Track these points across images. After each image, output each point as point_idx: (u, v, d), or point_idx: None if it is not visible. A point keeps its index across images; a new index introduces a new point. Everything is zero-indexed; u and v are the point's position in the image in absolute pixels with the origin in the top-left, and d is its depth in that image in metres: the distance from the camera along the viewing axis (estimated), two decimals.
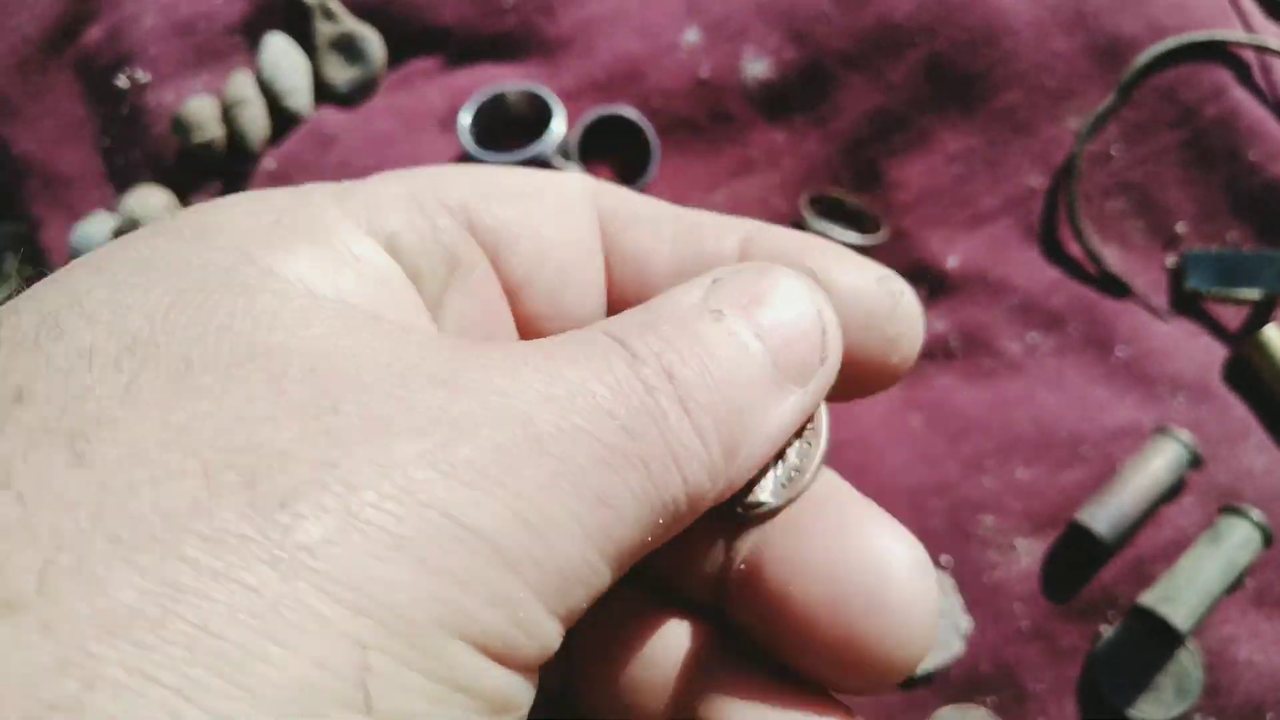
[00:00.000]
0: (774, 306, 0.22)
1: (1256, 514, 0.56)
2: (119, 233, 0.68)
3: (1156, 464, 0.58)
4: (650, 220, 0.26)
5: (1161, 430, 0.59)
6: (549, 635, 0.18)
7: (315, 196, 0.23)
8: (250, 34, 0.70)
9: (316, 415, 0.17)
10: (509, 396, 0.18)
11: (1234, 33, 0.63)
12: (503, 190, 0.25)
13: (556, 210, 0.26)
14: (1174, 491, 0.59)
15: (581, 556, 0.18)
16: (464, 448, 0.17)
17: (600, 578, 0.19)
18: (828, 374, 0.23)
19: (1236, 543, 0.56)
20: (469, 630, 0.17)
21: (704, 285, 0.22)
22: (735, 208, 0.65)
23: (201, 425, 0.17)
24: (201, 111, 0.67)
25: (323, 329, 0.19)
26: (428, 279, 0.24)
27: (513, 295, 0.26)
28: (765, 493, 0.23)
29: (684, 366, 0.20)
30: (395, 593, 0.16)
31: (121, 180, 0.70)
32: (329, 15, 0.68)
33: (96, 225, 0.68)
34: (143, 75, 0.69)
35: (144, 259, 0.20)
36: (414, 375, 0.18)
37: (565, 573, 0.18)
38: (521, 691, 0.18)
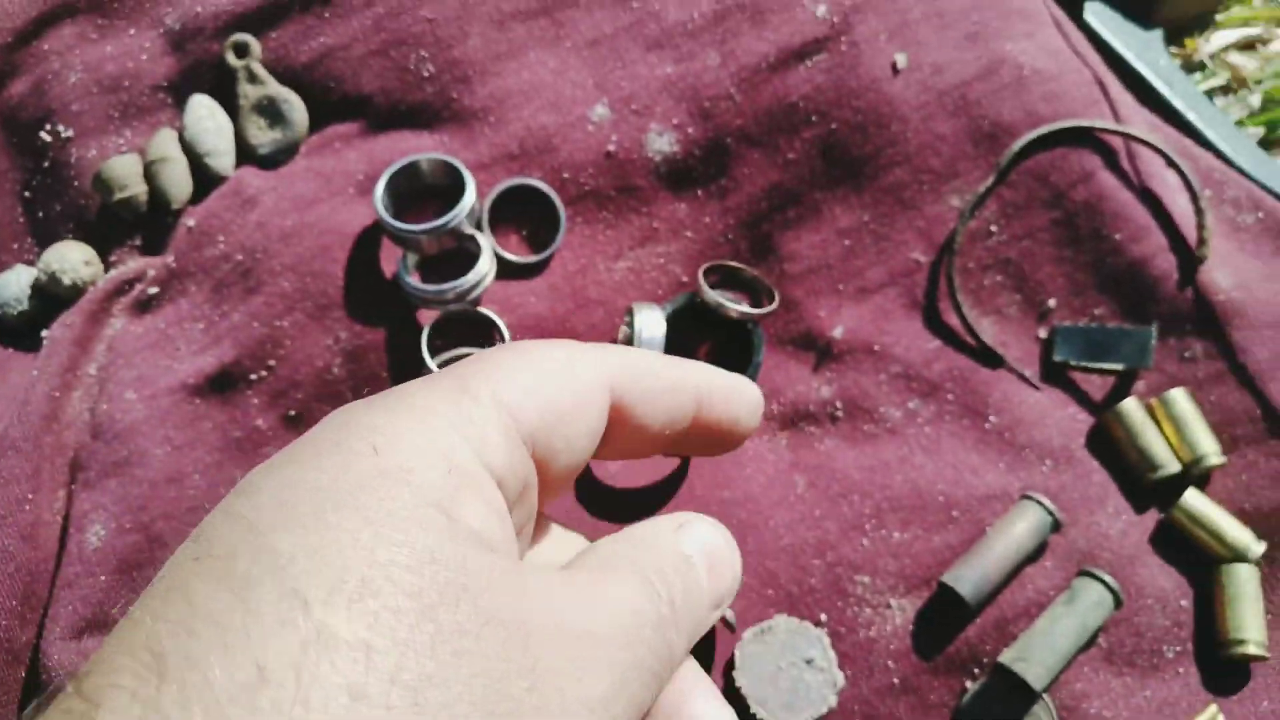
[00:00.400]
0: (718, 563, 0.34)
1: (1109, 578, 0.61)
2: (36, 287, 0.69)
3: (1020, 528, 0.62)
4: (644, 391, 0.35)
5: (1027, 496, 0.63)
6: None
7: (450, 438, 0.28)
8: (176, 93, 0.72)
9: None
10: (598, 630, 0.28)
11: (1102, 121, 0.68)
12: (557, 410, 0.31)
13: (583, 405, 0.33)
14: (1036, 554, 0.63)
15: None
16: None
17: None
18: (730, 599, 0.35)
19: (1090, 604, 0.60)
20: None
21: (674, 527, 0.34)
22: (639, 275, 0.68)
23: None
24: (124, 168, 0.69)
25: (524, 596, 0.26)
26: (511, 507, 0.30)
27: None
28: None
29: (680, 601, 0.31)
30: None
31: (42, 234, 0.72)
32: (253, 79, 0.70)
33: (14, 277, 0.70)
34: (65, 130, 0.71)
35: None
36: (553, 628, 0.26)
37: None
38: None
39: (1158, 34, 0.80)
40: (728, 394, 0.38)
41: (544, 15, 0.70)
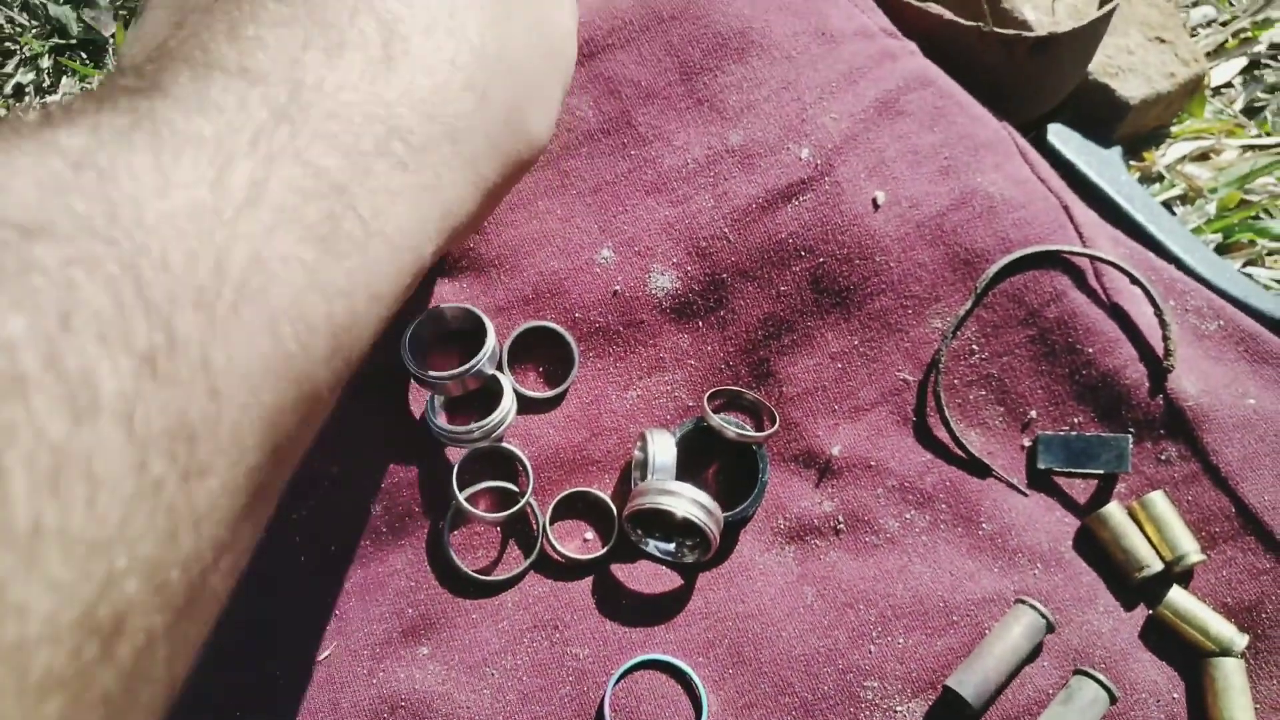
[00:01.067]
0: None
1: (1103, 676, 0.65)
2: None
3: (1016, 631, 0.66)
4: None
5: (1021, 600, 0.67)
6: None
7: None
8: None
9: None
10: None
11: (1069, 245, 0.74)
12: None
13: None
14: (1034, 654, 0.67)
15: None
16: None
17: None
18: None
19: (1086, 702, 0.64)
20: None
21: None
22: (648, 403, 0.73)
23: None
24: None
25: None
26: None
27: None
28: None
29: None
30: None
31: None
32: None
33: None
34: None
35: None
36: None
37: None
38: None
39: (1116, 151, 0.87)
40: None
41: (549, 166, 0.76)
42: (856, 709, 0.66)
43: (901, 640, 0.68)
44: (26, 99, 0.87)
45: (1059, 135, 0.86)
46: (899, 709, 0.66)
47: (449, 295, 0.74)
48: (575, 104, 0.77)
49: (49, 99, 0.87)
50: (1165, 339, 0.72)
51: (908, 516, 0.71)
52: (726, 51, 0.77)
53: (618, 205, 0.75)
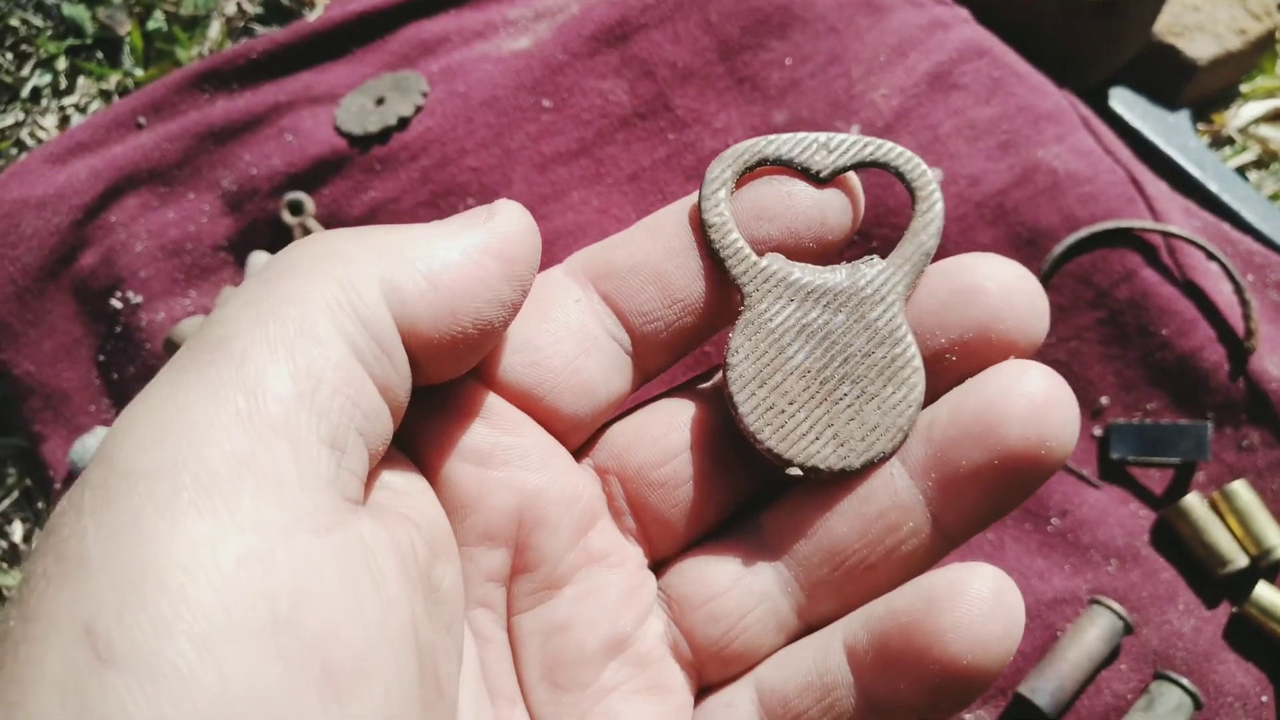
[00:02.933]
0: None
1: (1186, 681, 0.61)
2: None
3: (1092, 635, 0.62)
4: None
5: (1096, 601, 0.63)
6: None
7: None
8: (235, 251, 0.75)
9: None
10: None
11: (1140, 220, 0.69)
12: None
13: None
14: (1110, 658, 0.63)
15: None
16: None
17: None
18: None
19: (1169, 709, 0.61)
20: None
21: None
22: None
23: None
24: (193, 330, 0.72)
25: None
26: None
27: None
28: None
29: None
30: None
31: (118, 396, 0.75)
32: (309, 235, 0.73)
33: (95, 440, 0.73)
34: (135, 296, 0.74)
35: None
36: None
37: None
38: None
39: (1184, 115, 0.82)
40: None
41: (584, 155, 0.73)
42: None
43: None
44: (43, 101, 0.85)
45: (1123, 100, 0.81)
46: (966, 717, 0.63)
47: None
48: (609, 88, 0.73)
49: (66, 101, 0.85)
50: (1246, 317, 0.67)
51: None
52: (768, 27, 0.73)
53: (656, 193, 0.72)
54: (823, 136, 0.31)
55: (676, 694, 0.31)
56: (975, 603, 0.26)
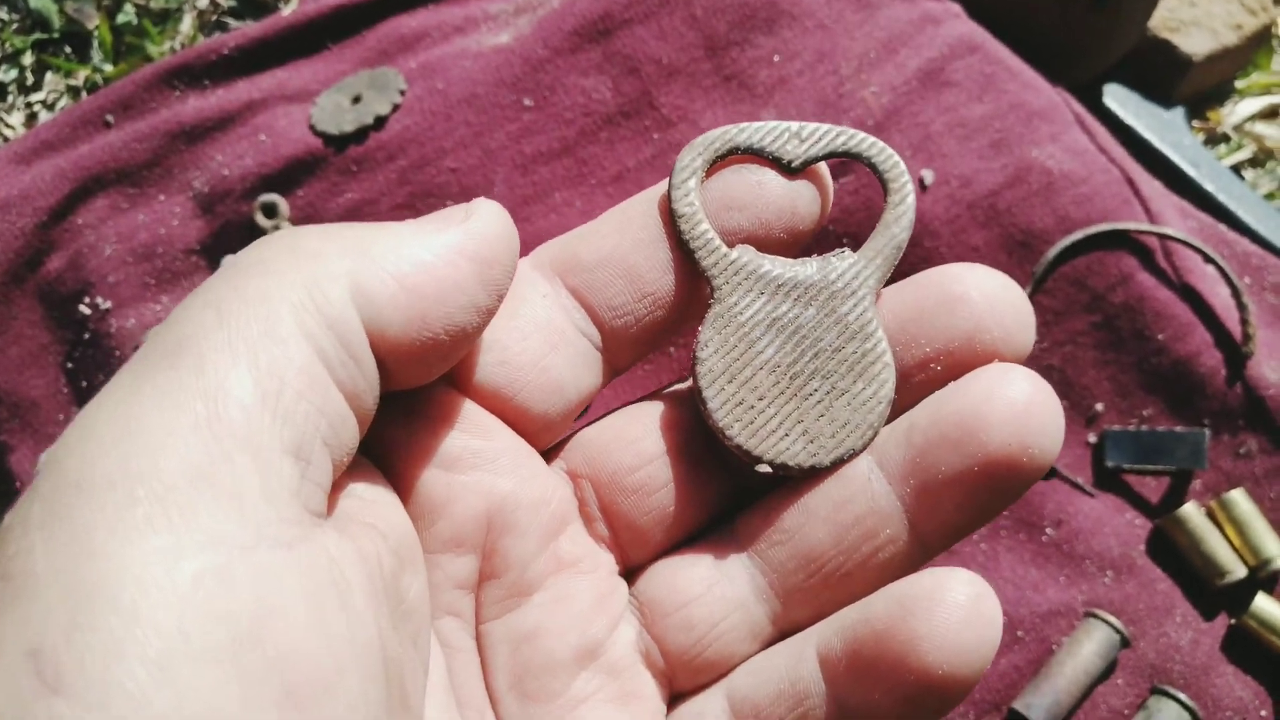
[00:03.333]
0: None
1: (1184, 696, 0.60)
2: None
3: (1088, 649, 0.61)
4: None
5: (1092, 614, 0.62)
6: None
7: None
8: (208, 254, 0.73)
9: None
10: None
11: (1135, 223, 0.68)
12: None
13: None
14: (1106, 672, 0.62)
15: None
16: None
17: None
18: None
19: None
20: None
21: None
22: None
23: None
24: None
25: None
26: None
27: None
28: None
29: None
30: None
31: (86, 404, 0.72)
32: None
33: None
34: (104, 301, 0.72)
35: None
36: None
37: None
38: None
39: (1179, 112, 0.80)
40: None
41: (566, 154, 0.71)
42: None
43: None
44: (10, 98, 0.82)
45: (1116, 97, 0.79)
46: None
47: None
48: (592, 85, 0.71)
49: (33, 97, 0.82)
50: (1243, 321, 0.66)
51: None
52: (755, 22, 0.71)
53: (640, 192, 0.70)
54: (794, 125, 0.31)
55: (648, 702, 0.31)
56: (951, 610, 0.25)
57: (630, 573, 0.33)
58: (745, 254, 0.30)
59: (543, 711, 0.29)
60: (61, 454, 0.22)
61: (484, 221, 0.27)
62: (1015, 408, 0.27)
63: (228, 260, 0.71)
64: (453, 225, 0.27)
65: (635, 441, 0.31)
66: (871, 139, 0.31)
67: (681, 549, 0.32)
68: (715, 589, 0.30)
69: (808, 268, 0.30)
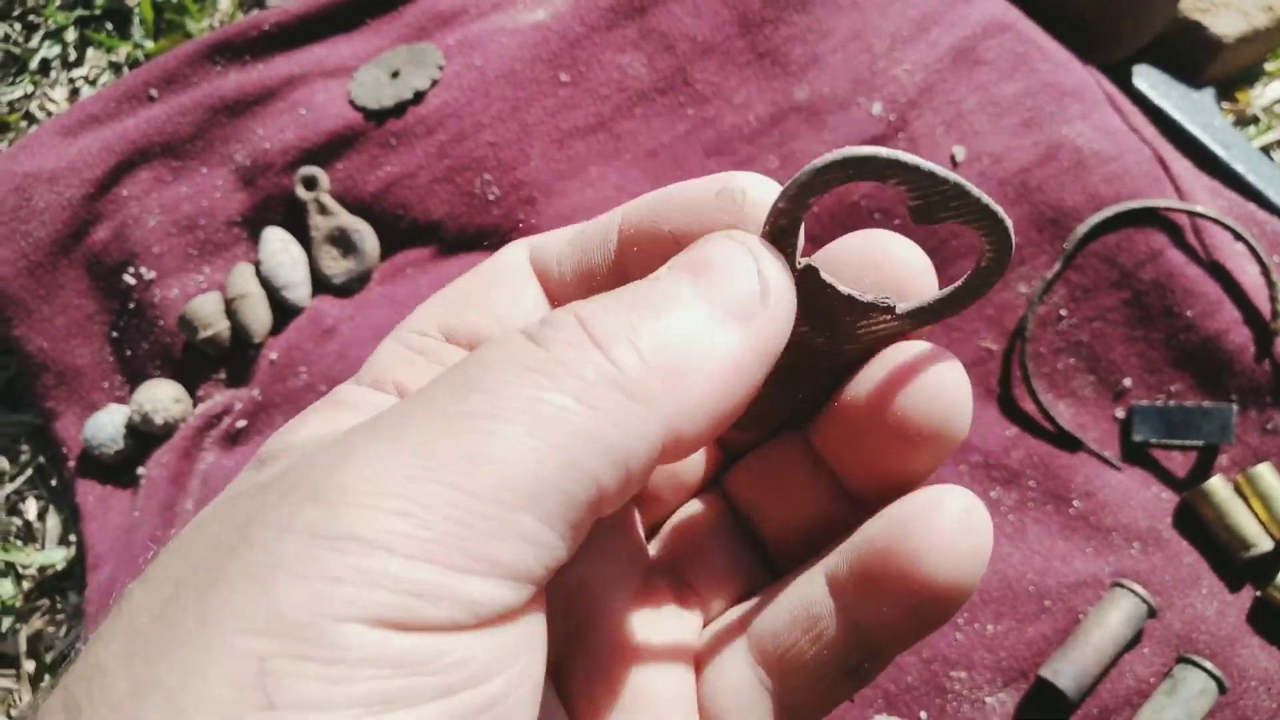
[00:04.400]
0: (707, 259, 0.25)
1: (1210, 665, 0.60)
2: (130, 426, 0.72)
3: (1115, 618, 0.62)
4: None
5: (1119, 584, 0.63)
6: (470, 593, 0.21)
7: None
8: (249, 227, 0.74)
9: None
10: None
11: (1165, 200, 0.68)
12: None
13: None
14: (1133, 641, 0.63)
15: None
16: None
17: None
18: (775, 313, 0.25)
19: (1194, 693, 0.60)
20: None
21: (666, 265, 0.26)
22: None
23: None
24: (207, 308, 0.71)
25: None
26: None
27: None
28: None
29: (604, 315, 0.24)
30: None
31: (130, 372, 0.74)
32: (324, 210, 0.72)
33: (109, 417, 0.72)
34: (147, 272, 0.73)
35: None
36: None
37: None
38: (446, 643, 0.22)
39: (1209, 93, 0.81)
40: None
41: (602, 130, 0.72)
42: (943, 700, 0.62)
43: (990, 627, 0.64)
44: (53, 73, 0.84)
45: (1146, 78, 0.80)
46: (988, 700, 0.62)
47: None
48: (627, 61, 0.72)
49: (75, 73, 0.84)
50: (1272, 299, 0.66)
51: (993, 494, 0.67)
52: (788, 0, 0.71)
53: (676, 169, 0.71)
54: (940, 175, 0.25)
55: (686, 616, 0.32)
56: (947, 522, 0.26)
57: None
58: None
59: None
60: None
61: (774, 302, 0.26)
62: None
63: (268, 232, 0.73)
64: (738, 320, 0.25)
65: None
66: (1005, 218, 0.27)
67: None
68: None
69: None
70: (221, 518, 0.23)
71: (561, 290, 0.30)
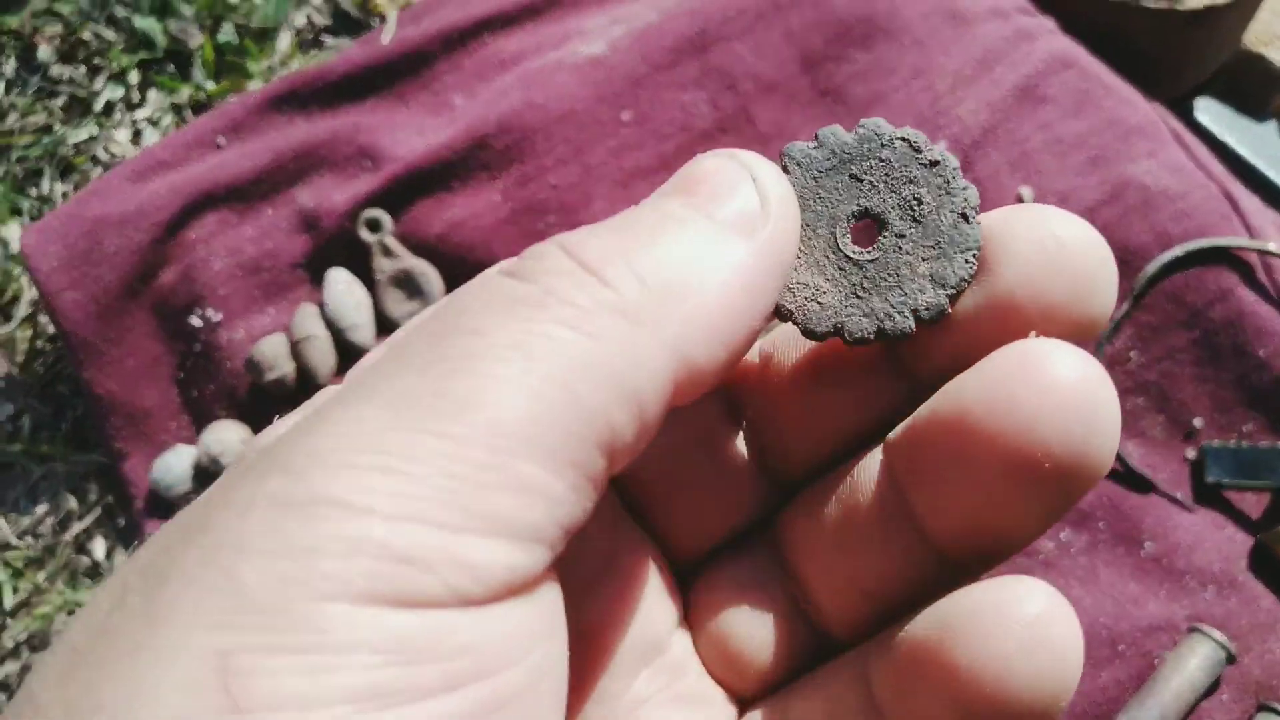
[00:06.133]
0: (696, 177, 0.23)
1: None
2: (198, 467, 0.72)
3: (1192, 664, 0.61)
4: None
5: (1195, 628, 0.62)
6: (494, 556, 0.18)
7: None
8: (312, 268, 0.75)
9: None
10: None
11: (1235, 239, 0.67)
12: None
13: None
14: (1211, 689, 0.62)
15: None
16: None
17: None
18: (779, 224, 0.23)
19: None
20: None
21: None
22: None
23: None
24: (273, 349, 0.72)
25: None
26: None
27: None
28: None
29: (593, 241, 0.21)
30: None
31: (197, 413, 0.75)
32: (388, 252, 0.73)
33: (176, 458, 0.73)
34: (214, 314, 0.74)
35: None
36: None
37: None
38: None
39: (1272, 126, 0.80)
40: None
41: (664, 170, 0.72)
42: None
43: None
44: (116, 115, 0.85)
45: (1208, 111, 0.79)
46: None
47: None
48: (690, 100, 0.72)
49: (138, 114, 0.85)
50: None
51: (1064, 536, 0.66)
52: (851, 38, 0.71)
53: None
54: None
55: (716, 706, 0.27)
56: (1014, 630, 0.21)
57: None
58: None
59: (604, 711, 0.26)
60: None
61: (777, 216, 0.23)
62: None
63: (332, 274, 0.73)
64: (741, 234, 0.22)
65: None
66: None
67: (724, 557, 0.28)
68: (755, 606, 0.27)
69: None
70: (181, 515, 0.20)
71: None
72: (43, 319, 0.80)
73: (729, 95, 0.72)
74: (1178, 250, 0.67)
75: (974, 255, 0.24)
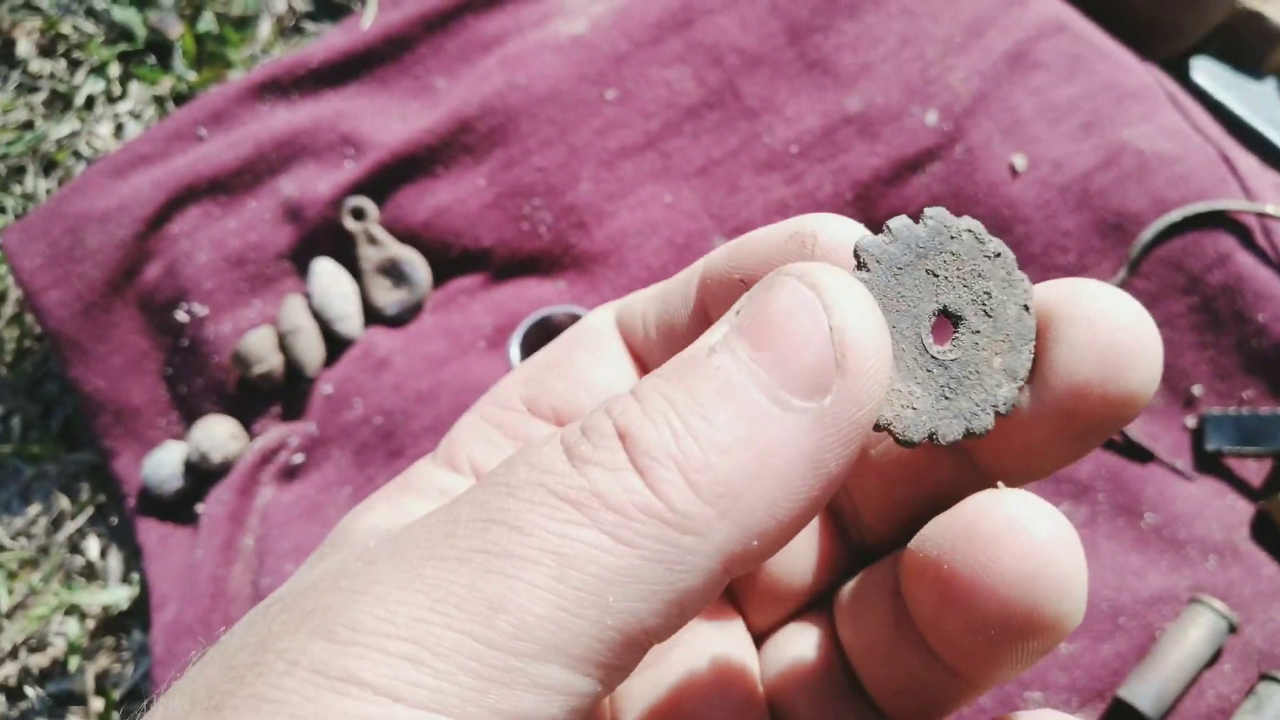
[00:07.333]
0: (766, 319, 0.21)
1: None
2: (188, 463, 0.72)
3: (1194, 635, 0.60)
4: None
5: (1196, 599, 0.61)
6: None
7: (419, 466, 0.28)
8: (298, 259, 0.74)
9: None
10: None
11: (1233, 201, 0.66)
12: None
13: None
14: (1213, 658, 0.61)
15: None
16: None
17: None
18: (857, 378, 0.21)
19: (1279, 710, 0.59)
20: None
21: (728, 319, 0.22)
22: None
23: None
24: (260, 343, 0.71)
25: None
26: None
27: None
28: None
29: (648, 427, 0.20)
30: None
31: (186, 409, 0.74)
32: (373, 241, 0.72)
33: (166, 455, 0.72)
34: (200, 308, 0.73)
35: None
36: None
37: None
38: None
39: (1270, 84, 0.78)
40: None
41: (650, 148, 0.71)
42: None
43: (1065, 646, 0.62)
44: (98, 109, 0.84)
45: (1205, 71, 0.77)
46: None
47: (550, 295, 0.69)
48: (674, 77, 0.71)
49: (120, 108, 0.84)
50: None
51: (1063, 509, 0.65)
52: (837, 7, 0.70)
53: (727, 187, 0.70)
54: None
55: (736, 627, 0.29)
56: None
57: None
58: None
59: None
60: None
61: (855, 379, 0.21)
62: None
63: (317, 264, 0.72)
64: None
65: None
66: None
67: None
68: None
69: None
70: (249, 630, 0.21)
71: (647, 349, 0.28)
72: (30, 318, 0.79)
73: (714, 70, 0.70)
74: (1174, 215, 0.66)
75: (1034, 346, 0.24)
